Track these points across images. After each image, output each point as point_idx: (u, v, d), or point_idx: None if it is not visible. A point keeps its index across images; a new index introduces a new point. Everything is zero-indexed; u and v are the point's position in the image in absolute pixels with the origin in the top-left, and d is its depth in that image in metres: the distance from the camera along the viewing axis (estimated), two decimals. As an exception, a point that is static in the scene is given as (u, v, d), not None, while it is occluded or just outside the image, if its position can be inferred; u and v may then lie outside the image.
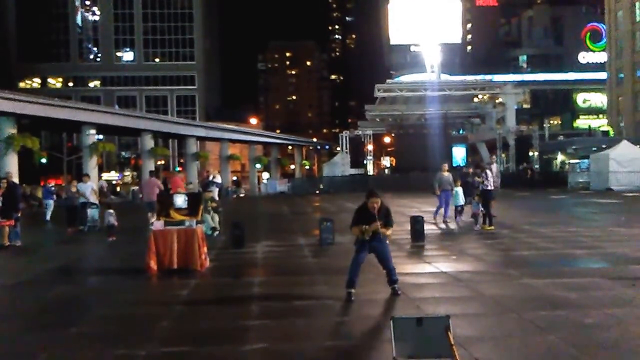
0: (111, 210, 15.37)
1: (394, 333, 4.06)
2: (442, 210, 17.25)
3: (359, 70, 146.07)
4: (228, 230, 14.14)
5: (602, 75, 71.99)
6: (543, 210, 22.22)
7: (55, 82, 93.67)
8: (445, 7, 67.36)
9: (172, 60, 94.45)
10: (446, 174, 17.25)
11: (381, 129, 59.86)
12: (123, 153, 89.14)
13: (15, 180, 19.63)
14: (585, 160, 40.72)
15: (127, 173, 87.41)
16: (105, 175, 71.13)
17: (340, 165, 57.51)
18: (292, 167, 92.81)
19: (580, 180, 39.74)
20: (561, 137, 62.84)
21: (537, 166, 51.93)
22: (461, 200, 16.54)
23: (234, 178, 67.29)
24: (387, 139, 70.53)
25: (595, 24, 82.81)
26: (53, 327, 6.57)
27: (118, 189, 60.84)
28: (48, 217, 22.80)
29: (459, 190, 16.55)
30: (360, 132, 58.39)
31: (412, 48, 77.50)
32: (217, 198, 19.00)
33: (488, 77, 66.39)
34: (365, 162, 60.36)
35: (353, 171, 59.69)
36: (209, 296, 8.24)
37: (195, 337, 6.02)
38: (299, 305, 7.30)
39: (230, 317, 6.82)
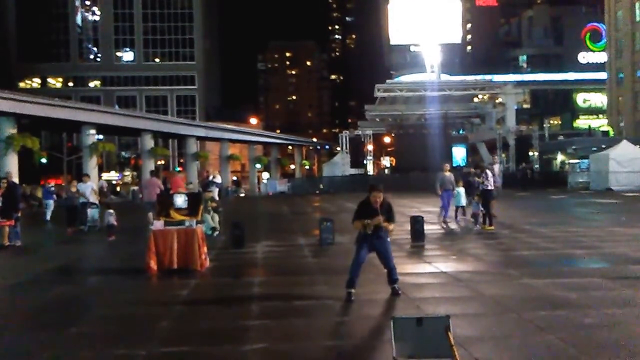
0: (111, 210, 15.38)
1: (394, 333, 4.05)
2: (444, 209, 17.22)
3: (359, 70, 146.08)
4: (228, 230, 14.14)
5: (602, 75, 71.97)
6: (543, 210, 22.22)
7: (55, 82, 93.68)
8: (445, 7, 67.30)
9: (172, 60, 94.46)
10: (448, 173, 17.26)
11: (381, 129, 59.85)
12: (123, 153, 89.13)
13: (15, 180, 19.62)
14: (585, 160, 40.72)
15: (127, 173, 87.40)
16: (105, 175, 71.13)
17: (340, 165, 57.51)
18: (292, 167, 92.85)
19: (580, 180, 39.74)
20: (561, 137, 62.81)
21: (537, 166, 51.92)
22: (463, 200, 16.52)
23: (234, 178, 67.32)
24: (387, 139, 70.54)
25: (595, 24, 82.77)
26: (53, 327, 6.57)
27: (118, 189, 60.88)
28: (48, 217, 22.80)
29: (461, 190, 16.53)
30: (360, 132, 58.39)
31: (412, 48, 77.47)
32: (217, 198, 19.01)
33: (488, 77, 66.36)
34: (365, 162, 60.35)
35: (353, 171, 59.69)
36: (209, 296, 8.24)
37: (195, 337, 6.02)
38: (299, 305, 7.30)
39: (230, 317, 6.82)
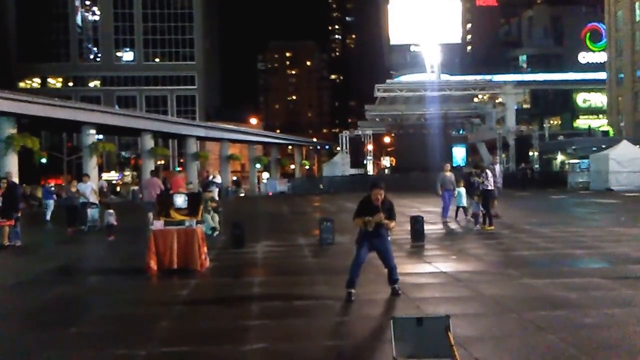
0: (111, 210, 15.38)
1: (394, 333, 4.06)
2: (445, 209, 17.22)
3: (359, 70, 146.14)
4: (228, 230, 14.14)
5: (602, 75, 71.99)
6: (543, 210, 22.22)
7: (55, 82, 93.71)
8: (445, 7, 67.31)
9: (172, 60, 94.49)
10: (448, 174, 17.27)
11: (381, 129, 59.86)
12: (123, 153, 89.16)
13: (15, 180, 19.62)
14: (585, 160, 40.74)
15: (127, 173, 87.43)
16: (105, 175, 71.14)
17: (340, 165, 57.54)
18: (292, 167, 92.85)
19: (580, 180, 39.75)
20: (561, 137, 62.85)
21: (537, 166, 51.92)
22: (464, 201, 16.50)
23: (234, 178, 67.33)
24: (387, 139, 70.57)
25: (595, 24, 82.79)
26: (53, 327, 6.57)
27: (118, 189, 60.91)
28: (48, 217, 22.81)
29: (462, 190, 16.51)
30: (360, 132, 58.42)
31: (412, 48, 77.47)
32: (217, 198, 19.02)
33: (488, 77, 66.32)
34: (365, 162, 60.38)
35: (353, 171, 59.72)
36: (209, 296, 8.24)
37: (195, 337, 6.02)
38: (299, 305, 7.29)
39: (230, 317, 6.82)
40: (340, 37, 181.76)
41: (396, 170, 57.10)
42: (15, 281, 9.79)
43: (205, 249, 10.26)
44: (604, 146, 43.69)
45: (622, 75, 65.86)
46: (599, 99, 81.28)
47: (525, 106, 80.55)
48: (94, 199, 18.53)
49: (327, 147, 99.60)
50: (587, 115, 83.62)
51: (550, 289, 7.76)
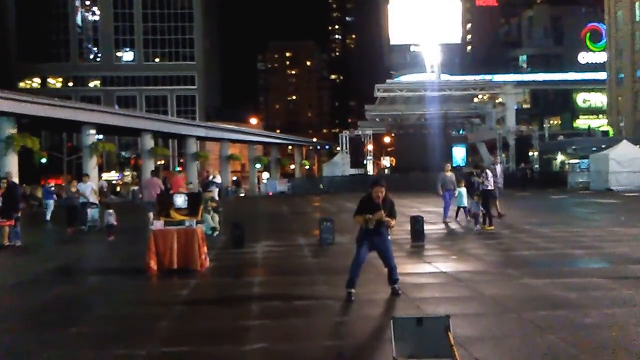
0: (110, 210, 15.38)
1: (394, 333, 4.06)
2: (450, 209, 17.21)
3: (359, 70, 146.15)
4: (228, 230, 14.14)
5: (602, 75, 71.99)
6: (543, 210, 22.22)
7: (55, 82, 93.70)
8: (445, 7, 67.28)
9: (172, 60, 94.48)
10: (449, 174, 17.28)
11: (381, 129, 59.87)
12: (123, 153, 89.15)
13: (15, 180, 19.62)
14: (585, 160, 40.74)
15: (127, 173, 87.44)
16: (105, 175, 71.14)
17: (340, 165, 57.54)
18: (292, 167, 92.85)
19: (580, 180, 39.75)
20: (561, 137, 62.84)
21: (537, 166, 51.93)
22: (465, 201, 16.48)
23: (234, 178, 67.32)
24: (387, 139, 70.58)
25: (595, 24, 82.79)
26: (53, 327, 6.57)
27: (118, 189, 60.89)
28: (48, 217, 22.80)
29: (463, 191, 16.49)
30: (360, 132, 58.42)
31: (412, 48, 77.47)
32: (217, 198, 19.03)
33: (488, 77, 66.38)
34: (365, 162, 60.38)
35: (353, 171, 59.72)
36: (209, 296, 8.24)
37: (195, 337, 6.02)
38: (299, 305, 7.30)
39: (230, 317, 6.82)
40: (340, 37, 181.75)
41: (396, 170, 57.10)
42: (15, 281, 9.79)
43: (205, 249, 10.26)
44: (604, 146, 43.69)
45: (622, 75, 65.87)
46: (599, 99, 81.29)
47: (525, 106, 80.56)
48: (94, 199, 18.54)
49: (327, 147, 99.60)
50: (587, 115, 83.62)
51: (550, 289, 7.76)
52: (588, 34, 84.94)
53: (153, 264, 9.68)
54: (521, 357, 5.22)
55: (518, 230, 14.76)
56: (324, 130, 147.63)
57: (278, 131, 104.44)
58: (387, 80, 64.79)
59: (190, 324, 6.56)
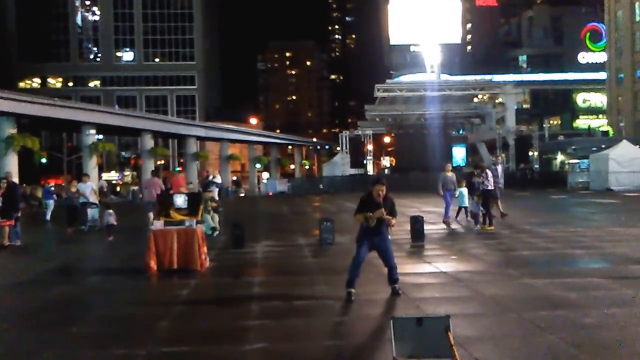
0: (110, 210, 15.38)
1: (394, 333, 4.05)
2: (450, 209, 17.19)
3: (359, 70, 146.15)
4: (228, 230, 14.14)
5: (602, 75, 72.00)
6: (543, 210, 22.23)
7: (55, 82, 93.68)
8: (445, 7, 67.31)
9: (172, 60, 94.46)
10: (450, 174, 17.28)
11: (381, 129, 59.89)
12: (123, 153, 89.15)
13: (15, 180, 19.62)
14: (585, 160, 40.74)
15: (127, 173, 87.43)
16: (105, 175, 71.15)
17: (340, 165, 57.55)
18: (292, 167, 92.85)
19: (580, 180, 39.75)
20: (561, 137, 62.85)
21: (536, 166, 51.94)
22: (466, 201, 16.46)
23: (234, 178, 67.32)
24: (387, 139, 70.57)
25: (595, 24, 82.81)
26: (53, 327, 6.57)
27: (118, 189, 60.88)
28: (48, 217, 22.80)
29: (464, 191, 16.46)
30: (360, 132, 58.43)
31: (412, 48, 77.50)
32: (217, 198, 19.03)
33: (488, 77, 66.41)
34: (365, 162, 60.38)
35: (353, 171, 59.72)
36: (209, 296, 8.24)
37: (195, 337, 6.02)
38: (299, 305, 7.29)
39: (230, 317, 6.82)
40: (340, 37, 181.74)
41: (396, 170, 57.11)
42: (15, 281, 9.79)
43: (205, 249, 10.26)
44: (603, 146, 43.70)
45: (622, 75, 65.87)
46: (598, 99, 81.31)
47: (525, 106, 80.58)
48: (94, 199, 18.54)
49: (327, 147, 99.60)
50: (587, 115, 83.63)
51: (550, 289, 7.76)
52: (588, 34, 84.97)
53: (153, 264, 9.68)
54: (521, 357, 5.22)
55: (518, 230, 14.76)
56: (324, 130, 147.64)
57: (278, 131, 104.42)
58: (387, 80, 64.84)
59: (190, 324, 6.56)
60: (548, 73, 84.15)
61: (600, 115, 79.72)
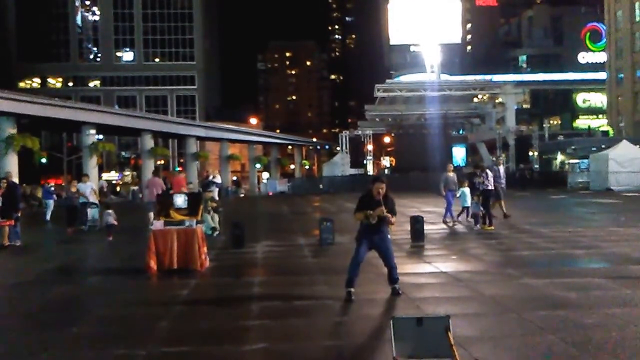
0: (110, 211, 15.38)
1: (394, 333, 4.05)
2: (451, 209, 17.19)
3: (359, 70, 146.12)
4: (228, 230, 14.15)
5: (602, 75, 71.99)
6: (543, 210, 22.23)
7: (55, 82, 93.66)
8: (445, 7, 67.36)
9: (172, 60, 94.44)
10: (451, 174, 17.31)
11: (381, 129, 59.91)
12: (123, 153, 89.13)
13: (15, 180, 19.61)
14: (585, 160, 40.75)
15: (127, 173, 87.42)
16: (105, 175, 71.15)
17: (340, 165, 57.56)
18: (292, 167, 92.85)
19: (580, 180, 39.76)
20: (561, 137, 62.87)
21: (536, 166, 51.94)
22: (469, 201, 16.45)
23: (234, 178, 67.33)
24: (387, 139, 70.58)
25: (595, 24, 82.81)
26: (53, 327, 6.57)
27: (118, 189, 60.91)
28: (48, 217, 22.80)
29: (467, 190, 16.44)
30: (360, 132, 58.45)
31: (412, 48, 77.52)
32: (217, 198, 19.03)
33: (488, 77, 66.41)
34: (365, 162, 60.40)
35: (353, 171, 59.76)
36: (209, 296, 8.24)
37: (195, 337, 6.02)
38: (299, 305, 7.30)
39: (230, 317, 6.82)
40: (340, 37, 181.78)
41: (396, 170, 57.12)
42: (15, 281, 9.79)
43: (205, 249, 10.26)
44: (603, 146, 43.72)
45: (622, 76, 65.86)
46: (598, 99, 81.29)
47: (525, 106, 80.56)
48: (93, 198, 18.55)
49: (327, 147, 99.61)
50: (587, 115, 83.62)
51: (550, 289, 7.76)
52: (588, 34, 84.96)
53: (153, 264, 9.68)
54: (521, 357, 5.22)
55: (518, 230, 14.77)
56: (324, 130, 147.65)
57: (278, 131, 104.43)
58: (387, 80, 64.84)
59: (190, 324, 6.56)
60: (548, 73, 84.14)
61: (600, 115, 79.71)
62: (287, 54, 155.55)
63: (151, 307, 7.54)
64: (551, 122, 78.78)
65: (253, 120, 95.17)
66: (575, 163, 43.68)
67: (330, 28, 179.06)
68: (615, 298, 7.18)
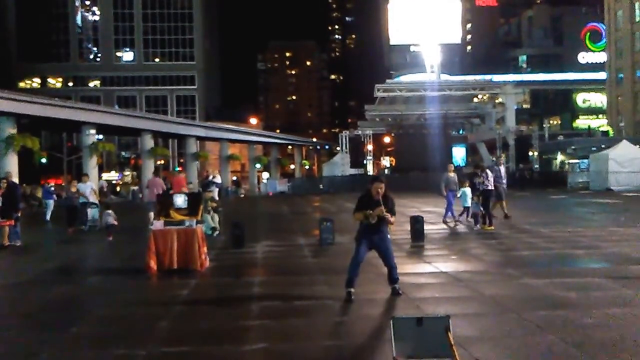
0: (110, 211, 15.38)
1: (394, 333, 4.05)
2: (452, 209, 17.19)
3: (359, 70, 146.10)
4: (228, 230, 14.14)
5: (602, 75, 71.98)
6: (543, 210, 22.23)
7: (55, 82, 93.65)
8: (445, 7, 67.36)
9: (172, 60, 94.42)
10: (452, 174, 17.31)
11: (381, 129, 59.91)
12: (123, 153, 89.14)
13: (15, 180, 19.62)
14: (585, 160, 40.75)
15: (127, 173, 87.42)
16: (105, 175, 71.14)
17: (340, 165, 57.56)
18: (292, 167, 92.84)
19: (580, 180, 39.76)
20: (561, 137, 62.87)
21: (536, 166, 51.93)
22: (469, 201, 16.45)
23: (234, 178, 67.32)
24: (387, 139, 70.58)
25: (595, 24, 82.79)
26: (53, 327, 6.57)
27: (118, 189, 60.91)
28: (48, 217, 22.80)
29: (468, 191, 16.43)
30: (360, 132, 58.44)
31: (412, 48, 77.49)
32: (217, 198, 19.04)
33: (488, 77, 66.39)
34: (365, 162, 60.39)
35: (353, 171, 59.75)
36: (209, 296, 8.24)
37: (195, 337, 6.02)
38: (299, 305, 7.29)
39: (230, 317, 6.82)
40: (340, 37, 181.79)
41: (396, 170, 57.12)
42: (15, 281, 9.79)
43: (205, 249, 10.26)
44: (603, 146, 43.71)
45: (621, 76, 65.86)
46: (598, 99, 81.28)
47: (525, 106, 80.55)
48: (93, 198, 18.55)
49: (327, 147, 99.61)
50: (587, 115, 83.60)
51: (550, 289, 7.76)
52: (588, 34, 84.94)
53: (153, 264, 9.68)
54: (521, 357, 5.22)
55: (518, 230, 14.76)
56: (324, 130, 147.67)
57: (278, 131, 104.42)
58: (387, 80, 64.80)
59: (190, 324, 6.56)
60: (548, 73, 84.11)
61: (600, 115, 79.69)
62: (287, 54, 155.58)
63: (151, 307, 7.54)
64: (551, 122, 78.78)
65: (253, 120, 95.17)
66: (575, 163, 43.68)
67: (330, 28, 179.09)
68: (615, 298, 7.18)
